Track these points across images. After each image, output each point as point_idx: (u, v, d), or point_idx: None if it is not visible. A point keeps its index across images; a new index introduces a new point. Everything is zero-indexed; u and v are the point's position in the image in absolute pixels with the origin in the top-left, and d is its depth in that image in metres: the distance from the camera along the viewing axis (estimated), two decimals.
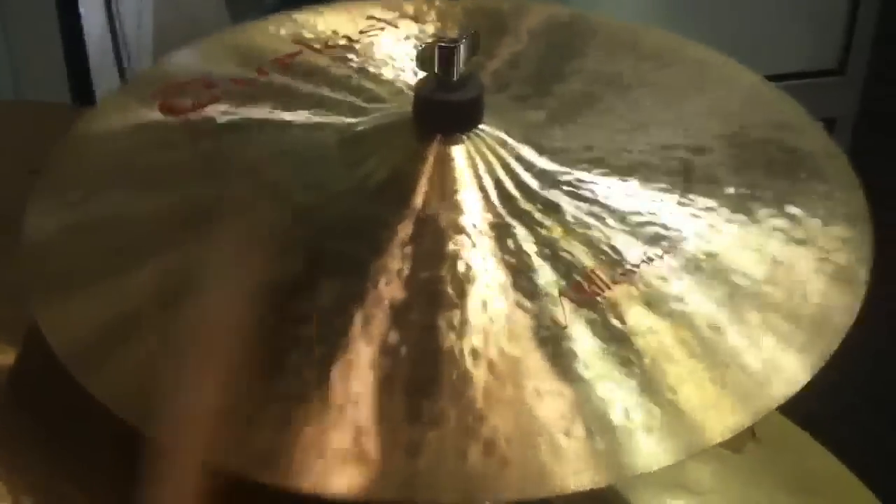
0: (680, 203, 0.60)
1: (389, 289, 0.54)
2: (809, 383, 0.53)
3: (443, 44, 0.59)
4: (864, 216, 0.61)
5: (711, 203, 0.60)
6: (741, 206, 0.60)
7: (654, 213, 0.59)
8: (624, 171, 0.61)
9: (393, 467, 0.49)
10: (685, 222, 0.59)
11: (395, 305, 0.54)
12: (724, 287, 0.56)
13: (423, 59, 0.61)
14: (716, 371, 0.53)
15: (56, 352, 0.55)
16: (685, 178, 0.61)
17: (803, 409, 0.79)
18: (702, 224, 0.59)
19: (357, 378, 0.51)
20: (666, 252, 0.57)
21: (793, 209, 0.60)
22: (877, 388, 1.35)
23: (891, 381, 1.37)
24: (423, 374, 0.52)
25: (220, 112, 0.66)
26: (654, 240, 0.57)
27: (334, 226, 0.59)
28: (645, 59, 0.71)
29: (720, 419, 0.52)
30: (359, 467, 0.49)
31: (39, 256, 0.61)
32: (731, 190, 0.61)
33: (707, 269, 0.56)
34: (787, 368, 0.53)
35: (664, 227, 0.58)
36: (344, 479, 0.49)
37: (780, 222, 0.60)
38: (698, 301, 0.55)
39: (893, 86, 1.64)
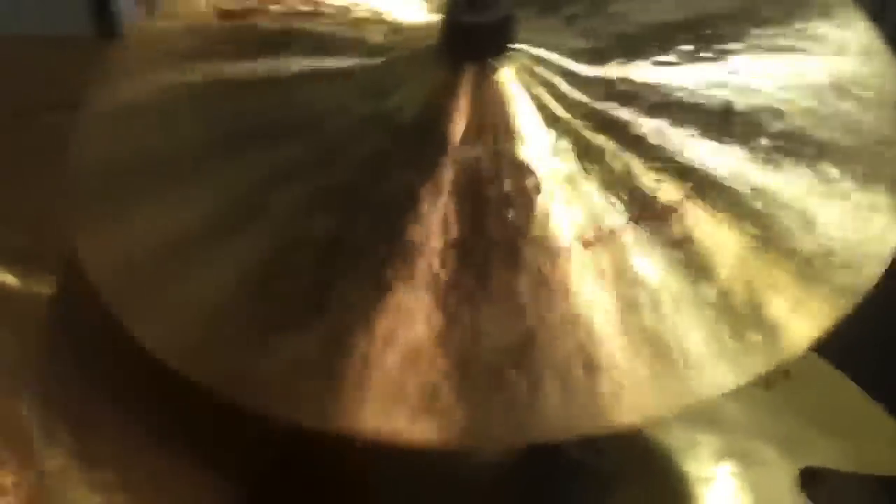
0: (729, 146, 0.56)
1: (444, 221, 0.52)
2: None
3: None
4: None
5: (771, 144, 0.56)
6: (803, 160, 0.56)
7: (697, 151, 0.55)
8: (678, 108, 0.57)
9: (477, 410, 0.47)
10: (734, 165, 0.55)
11: (445, 249, 0.51)
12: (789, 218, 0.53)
13: None
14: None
15: (97, 284, 0.55)
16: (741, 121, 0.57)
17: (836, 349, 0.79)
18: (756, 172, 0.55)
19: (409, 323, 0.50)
20: (722, 185, 0.54)
21: (860, 169, 0.56)
22: None
23: None
24: (476, 313, 0.49)
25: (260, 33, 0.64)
26: (709, 173, 0.54)
27: (360, 166, 0.56)
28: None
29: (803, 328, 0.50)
30: (433, 413, 0.47)
31: (85, 184, 0.60)
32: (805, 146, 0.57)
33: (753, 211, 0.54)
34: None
35: (741, 147, 0.55)
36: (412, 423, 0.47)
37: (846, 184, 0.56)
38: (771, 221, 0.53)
39: None
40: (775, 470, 0.73)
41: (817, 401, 0.78)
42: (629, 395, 0.48)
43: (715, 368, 0.49)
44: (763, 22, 0.62)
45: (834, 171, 0.56)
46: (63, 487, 0.56)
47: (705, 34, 0.61)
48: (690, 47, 0.60)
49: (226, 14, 0.66)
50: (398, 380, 0.48)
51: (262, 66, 0.63)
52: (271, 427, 0.61)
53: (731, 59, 0.60)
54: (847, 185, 0.55)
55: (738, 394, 0.76)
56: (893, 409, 0.77)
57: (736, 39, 0.61)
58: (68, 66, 0.76)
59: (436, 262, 0.51)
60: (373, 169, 0.55)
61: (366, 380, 0.48)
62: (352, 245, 0.52)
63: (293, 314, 0.51)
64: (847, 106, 0.59)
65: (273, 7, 0.66)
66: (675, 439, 0.74)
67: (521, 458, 0.69)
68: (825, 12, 0.64)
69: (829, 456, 0.74)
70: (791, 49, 0.61)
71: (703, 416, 0.75)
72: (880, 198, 0.55)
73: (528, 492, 0.70)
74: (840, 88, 0.60)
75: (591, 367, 0.48)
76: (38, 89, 0.76)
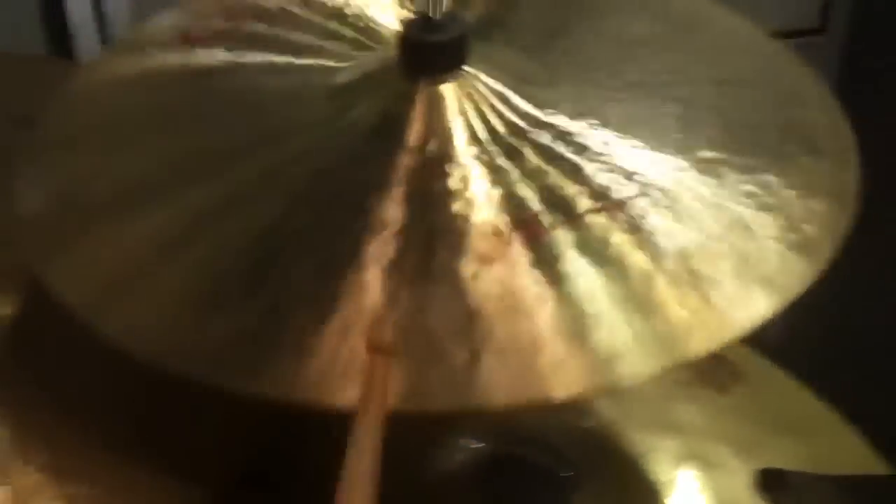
0: (652, 159, 0.61)
1: (388, 219, 0.56)
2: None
3: None
4: (850, 195, 0.61)
5: (685, 162, 0.61)
6: (715, 167, 0.61)
7: (629, 162, 0.60)
8: (604, 123, 0.62)
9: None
10: (656, 173, 0.60)
11: (394, 234, 0.56)
12: (680, 236, 0.57)
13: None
14: (693, 292, 0.55)
15: (60, 298, 0.57)
16: (666, 138, 0.62)
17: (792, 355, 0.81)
18: (674, 178, 0.60)
19: (352, 301, 0.54)
20: (638, 194, 0.58)
21: (769, 178, 0.61)
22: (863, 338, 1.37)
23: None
24: (418, 293, 0.54)
25: (211, 57, 0.68)
26: (626, 182, 0.59)
27: (328, 167, 0.60)
28: (671, 25, 0.72)
29: (700, 336, 0.54)
30: (353, 379, 0.51)
31: (36, 212, 0.62)
32: (709, 153, 0.62)
33: (670, 216, 0.58)
34: (745, 307, 0.55)
35: (637, 173, 0.60)
36: (338, 391, 0.51)
37: (751, 188, 0.60)
38: (664, 241, 0.57)
39: (874, 44, 1.65)
40: (733, 472, 0.75)
41: (771, 404, 0.80)
42: (560, 373, 0.52)
43: (633, 358, 0.52)
44: None
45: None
46: (37, 502, 0.57)
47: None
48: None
49: (190, 39, 0.69)
50: (335, 349, 0.52)
51: (227, 82, 0.67)
52: (239, 437, 0.62)
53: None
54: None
55: (693, 399, 0.80)
56: (845, 409, 0.80)
57: None
58: (25, 83, 0.78)
59: (384, 247, 0.55)
60: (331, 166, 0.60)
61: (305, 349, 0.52)
62: (297, 229, 0.57)
63: (234, 291, 0.56)
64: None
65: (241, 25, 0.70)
66: (634, 444, 0.76)
67: (485, 464, 0.71)
68: None
69: (784, 456, 0.75)
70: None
71: (662, 420, 0.77)
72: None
73: (492, 498, 0.71)
74: None
75: (526, 346, 0.52)
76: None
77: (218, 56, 0.68)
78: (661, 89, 0.66)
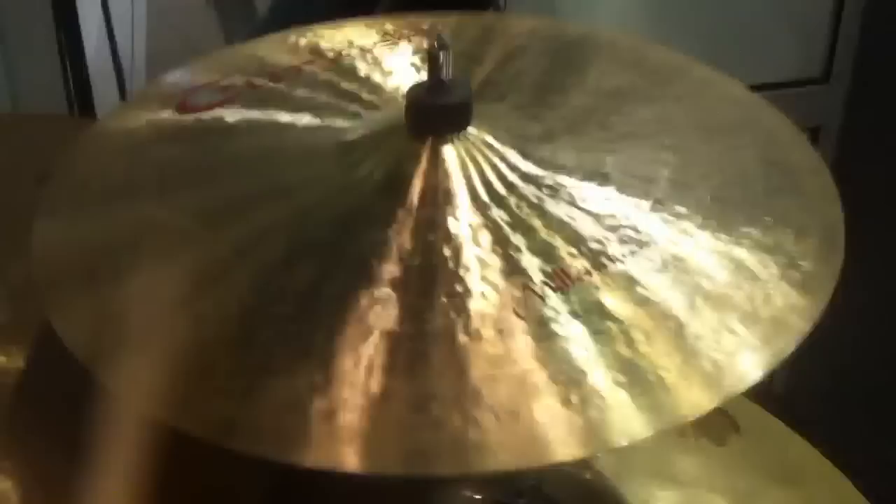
0: (654, 210, 0.63)
1: (384, 276, 0.58)
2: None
3: (434, 45, 0.63)
4: (838, 230, 0.64)
5: (684, 210, 0.63)
6: (713, 214, 0.63)
7: (628, 217, 0.62)
8: (604, 179, 0.64)
9: (383, 442, 0.52)
10: (657, 227, 0.62)
11: (389, 291, 0.57)
12: (688, 287, 0.59)
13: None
14: (684, 358, 0.56)
15: (69, 347, 0.58)
16: (660, 195, 0.64)
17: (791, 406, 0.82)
18: (673, 229, 0.62)
19: (350, 356, 0.55)
20: (638, 251, 0.60)
21: (766, 219, 0.63)
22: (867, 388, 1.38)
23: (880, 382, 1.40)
24: (412, 354, 0.55)
25: (228, 114, 0.70)
26: (627, 240, 0.61)
27: (333, 221, 0.62)
28: (647, 77, 0.74)
29: (690, 399, 0.55)
30: (350, 443, 0.52)
31: (50, 259, 0.64)
32: (706, 199, 0.64)
33: (674, 270, 0.60)
34: (741, 366, 0.57)
35: (636, 229, 0.61)
36: (330, 451, 0.52)
37: (750, 230, 0.63)
38: (666, 296, 0.58)
39: (878, 93, 1.66)
40: None
41: (769, 454, 0.81)
42: (554, 437, 0.53)
43: (629, 420, 0.54)
44: None
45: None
46: None
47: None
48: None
49: (186, 108, 0.71)
50: (332, 410, 0.53)
51: (239, 138, 0.70)
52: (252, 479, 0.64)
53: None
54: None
55: (692, 450, 0.81)
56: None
57: None
58: (48, 141, 0.79)
59: (384, 306, 0.57)
60: (345, 225, 0.62)
61: (333, 420, 0.53)
62: (299, 284, 0.59)
63: (280, 360, 0.56)
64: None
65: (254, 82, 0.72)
66: (633, 495, 0.77)
67: None
68: None
69: None
70: None
71: (660, 471, 0.78)
72: None
73: None
74: None
75: (521, 410, 0.53)
76: (18, 163, 0.79)
77: (231, 113, 0.70)
78: (652, 139, 0.68)
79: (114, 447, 0.63)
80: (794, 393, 0.76)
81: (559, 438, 0.52)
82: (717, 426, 0.81)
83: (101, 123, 0.73)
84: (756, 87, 0.75)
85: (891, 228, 1.30)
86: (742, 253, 0.61)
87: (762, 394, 0.75)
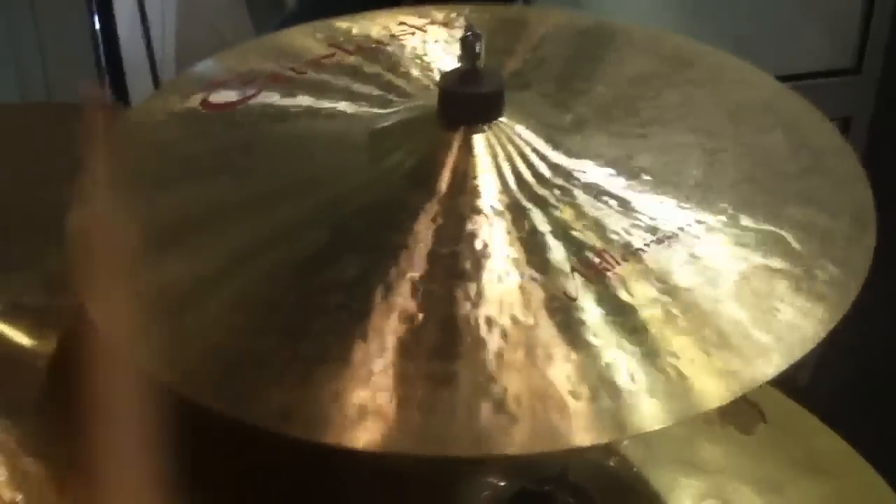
0: (680, 205, 0.63)
1: (411, 263, 0.58)
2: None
3: (468, 34, 0.63)
4: (869, 209, 0.64)
5: (709, 208, 0.63)
6: (747, 196, 0.64)
7: (660, 205, 0.62)
8: (635, 166, 0.65)
9: (408, 422, 0.53)
10: (690, 214, 0.62)
11: (416, 278, 0.58)
12: (705, 283, 0.59)
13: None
14: (708, 347, 0.56)
15: (101, 330, 0.59)
16: (691, 181, 0.65)
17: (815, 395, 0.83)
18: (698, 227, 0.62)
19: (377, 341, 0.55)
20: (663, 242, 0.60)
21: (799, 199, 0.64)
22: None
23: None
24: (439, 339, 0.56)
25: (257, 104, 0.70)
26: (653, 230, 0.61)
27: (363, 209, 0.63)
28: (666, 63, 0.75)
29: (713, 389, 0.55)
30: (375, 422, 0.53)
31: (84, 245, 0.64)
32: (732, 202, 0.64)
33: (696, 265, 0.60)
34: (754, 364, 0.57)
35: (666, 218, 0.62)
36: (361, 432, 0.52)
37: (785, 211, 0.63)
38: (691, 287, 0.59)
39: None
40: None
41: (794, 444, 0.81)
42: (578, 423, 0.53)
43: (650, 408, 0.54)
44: None
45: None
46: None
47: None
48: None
49: (211, 105, 0.72)
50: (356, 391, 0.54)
51: (273, 126, 0.70)
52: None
53: None
54: None
55: (718, 438, 0.81)
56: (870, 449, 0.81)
57: None
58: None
59: (409, 295, 0.57)
60: (375, 215, 0.62)
61: (355, 399, 0.54)
62: (376, 281, 0.58)
63: (333, 348, 0.56)
64: None
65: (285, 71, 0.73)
66: (657, 482, 0.77)
67: (510, 501, 0.73)
68: None
69: (807, 497, 0.77)
70: None
71: (685, 459, 0.78)
72: None
73: None
74: None
75: (546, 396, 0.54)
76: (53, 151, 0.80)
77: (259, 104, 0.71)
78: (678, 122, 0.69)
79: (143, 431, 0.64)
80: (818, 387, 0.76)
81: (579, 424, 0.53)
82: (744, 415, 0.81)
83: (133, 112, 0.74)
84: (787, 78, 0.75)
85: None
86: (781, 233, 0.62)
87: (788, 387, 0.76)
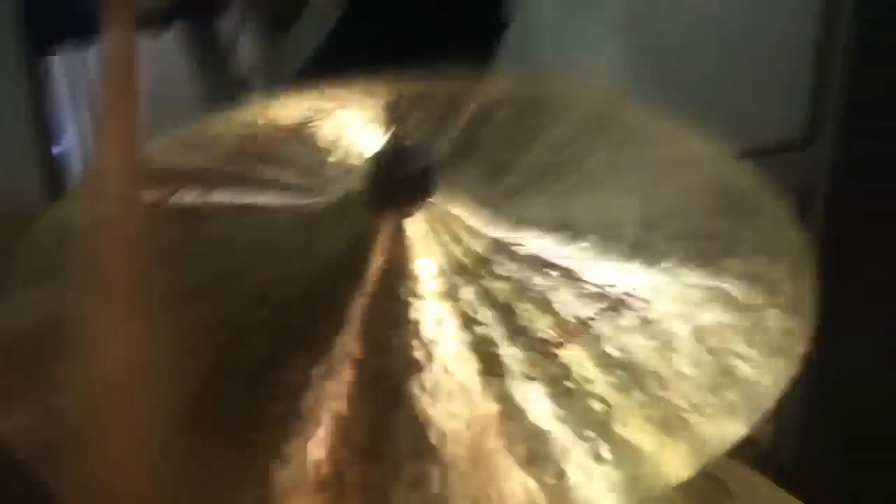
0: (623, 268, 0.62)
1: (350, 360, 0.56)
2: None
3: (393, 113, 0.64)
4: (804, 249, 0.64)
5: (654, 270, 0.62)
6: (683, 273, 0.62)
7: (599, 277, 0.61)
8: (572, 239, 0.63)
9: None
10: (634, 275, 0.61)
11: (357, 377, 0.56)
12: (660, 348, 0.58)
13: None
14: (662, 422, 0.55)
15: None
16: (632, 246, 0.63)
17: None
18: (644, 289, 0.61)
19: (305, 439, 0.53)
20: (610, 312, 0.59)
21: (739, 248, 0.63)
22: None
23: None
24: (382, 440, 0.53)
25: (175, 204, 0.69)
26: (599, 299, 0.59)
27: (295, 303, 0.60)
28: (591, 123, 0.74)
29: (679, 459, 0.53)
30: None
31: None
32: (674, 260, 0.63)
33: (648, 330, 0.58)
34: (718, 429, 0.55)
35: (608, 288, 0.60)
36: None
37: (721, 292, 0.61)
38: (643, 357, 0.57)
39: (864, 156, 1.66)
40: None
41: None
42: None
43: (603, 490, 0.52)
44: None
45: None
46: None
47: None
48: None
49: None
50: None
51: (198, 220, 0.69)
52: None
53: None
54: None
55: None
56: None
57: None
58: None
59: (341, 381, 0.55)
60: (291, 300, 0.60)
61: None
62: (253, 360, 0.57)
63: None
64: None
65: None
66: None
67: None
68: None
69: None
70: None
71: None
72: None
73: None
74: None
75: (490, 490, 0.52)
76: None
77: (181, 199, 0.69)
78: (607, 183, 0.68)
79: None
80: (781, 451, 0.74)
81: None
82: (709, 492, 0.79)
83: (58, 206, 0.72)
84: (740, 154, 0.74)
85: (877, 290, 1.29)
86: (724, 287, 0.60)
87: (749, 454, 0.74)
